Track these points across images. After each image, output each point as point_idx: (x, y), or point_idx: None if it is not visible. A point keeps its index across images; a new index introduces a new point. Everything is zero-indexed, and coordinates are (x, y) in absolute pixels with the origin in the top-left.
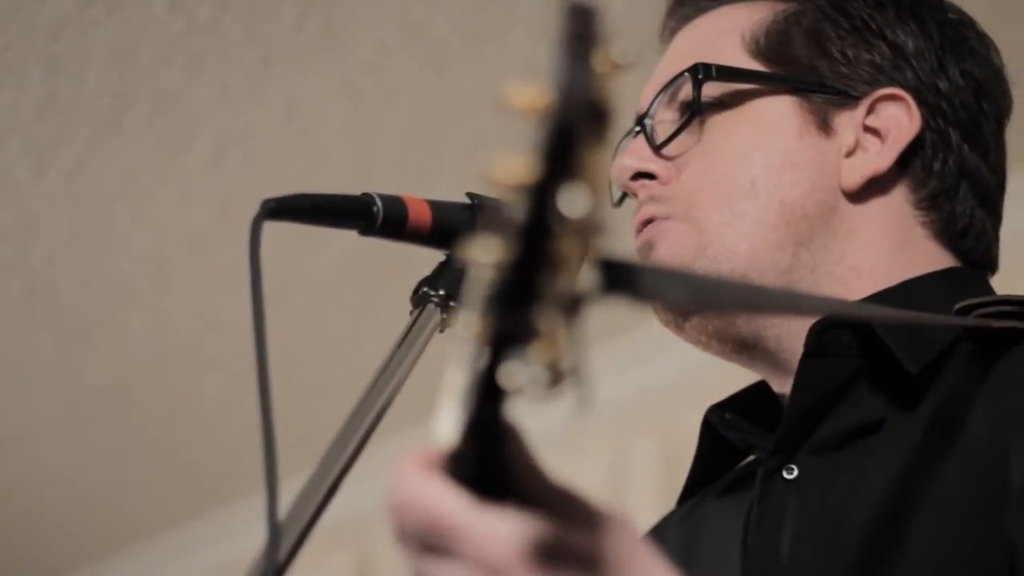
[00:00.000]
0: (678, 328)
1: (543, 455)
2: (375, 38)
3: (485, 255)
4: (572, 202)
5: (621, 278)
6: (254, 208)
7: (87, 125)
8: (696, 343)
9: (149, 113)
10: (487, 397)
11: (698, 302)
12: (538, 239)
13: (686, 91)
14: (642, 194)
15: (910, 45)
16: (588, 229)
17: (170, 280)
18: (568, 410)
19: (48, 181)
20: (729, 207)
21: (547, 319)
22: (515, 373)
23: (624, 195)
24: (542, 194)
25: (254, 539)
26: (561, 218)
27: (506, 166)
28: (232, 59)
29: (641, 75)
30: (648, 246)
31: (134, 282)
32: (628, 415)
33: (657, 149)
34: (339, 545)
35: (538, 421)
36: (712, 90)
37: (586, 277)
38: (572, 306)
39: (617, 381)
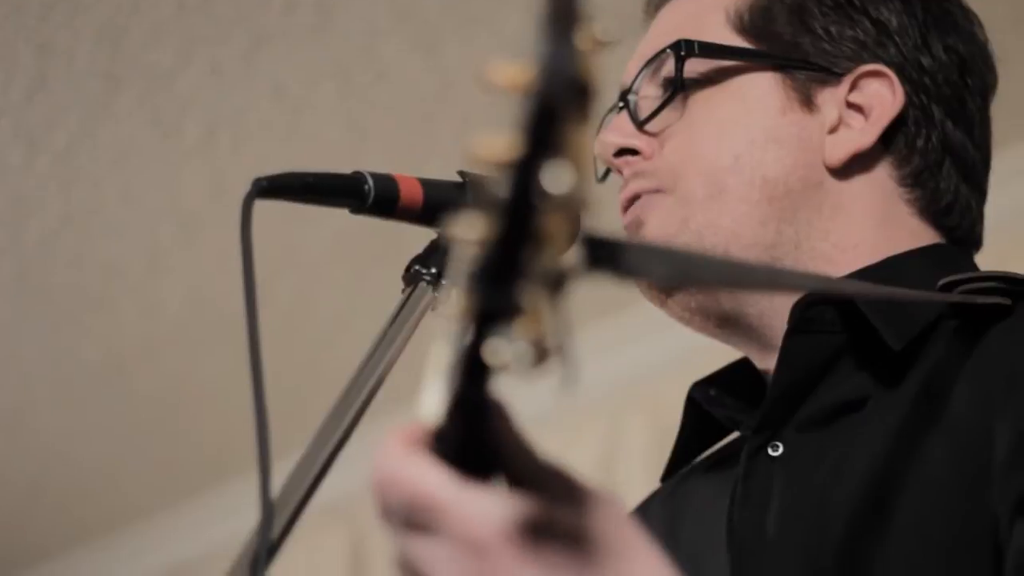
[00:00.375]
0: (661, 303)
1: (535, 433)
2: (366, 19)
3: (469, 232)
4: (555, 178)
5: (605, 255)
6: (246, 189)
7: (78, 107)
8: (679, 318)
9: (140, 95)
10: (472, 374)
11: (681, 278)
12: (522, 215)
13: (669, 67)
14: (627, 171)
15: (893, 22)
16: (572, 205)
17: (162, 261)
18: (553, 387)
19: (39, 163)
20: (714, 181)
21: (531, 296)
22: (500, 350)
23: (607, 172)
24: (525, 170)
25: (247, 518)
26: (544, 194)
27: (490, 143)
28: (223, 40)
29: (628, 50)
30: (636, 223)
31: (126, 263)
32: (620, 393)
33: (640, 125)
34: (333, 524)
35: (530, 399)
36: (695, 66)
37: (570, 254)
38: (557, 283)
39: (609, 359)
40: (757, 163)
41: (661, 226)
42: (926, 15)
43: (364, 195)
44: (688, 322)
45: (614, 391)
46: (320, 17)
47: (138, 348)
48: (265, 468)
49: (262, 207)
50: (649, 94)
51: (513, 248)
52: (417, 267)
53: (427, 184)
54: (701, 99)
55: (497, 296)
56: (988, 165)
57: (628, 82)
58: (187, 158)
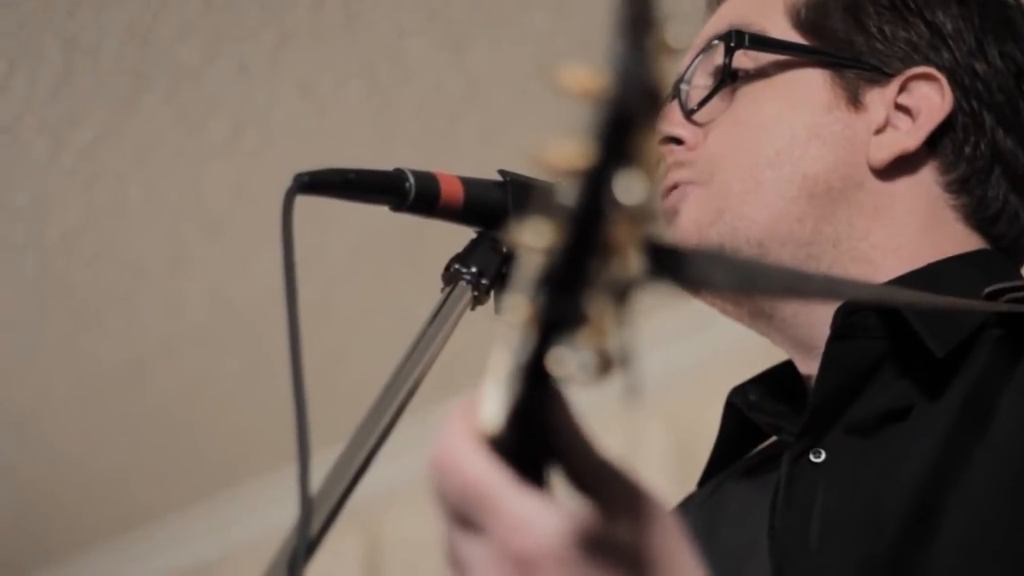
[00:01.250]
0: (719, 305)
1: None
2: (393, 19)
3: (536, 239)
4: (628, 188)
5: (668, 263)
6: (269, 189)
7: (103, 104)
8: (713, 305)
9: (166, 92)
10: (534, 382)
11: (744, 287)
12: (592, 225)
13: (719, 57)
14: (669, 159)
15: (948, 26)
16: (642, 215)
17: (184, 261)
18: (618, 395)
19: (63, 160)
20: (751, 175)
21: (597, 305)
22: (564, 359)
23: None
24: (598, 179)
25: (265, 519)
26: (616, 204)
27: (560, 150)
28: (250, 38)
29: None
30: (672, 212)
31: (148, 263)
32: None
33: (688, 114)
34: (349, 529)
35: None
36: (745, 58)
37: (637, 263)
38: (623, 293)
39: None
40: (798, 159)
41: (695, 216)
42: (983, 21)
43: (405, 192)
44: (722, 309)
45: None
46: (347, 16)
47: (158, 348)
48: (304, 465)
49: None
50: (700, 84)
51: (581, 257)
52: (457, 266)
53: (468, 183)
54: (748, 92)
55: (563, 305)
56: None
57: (682, 71)
58: (212, 157)
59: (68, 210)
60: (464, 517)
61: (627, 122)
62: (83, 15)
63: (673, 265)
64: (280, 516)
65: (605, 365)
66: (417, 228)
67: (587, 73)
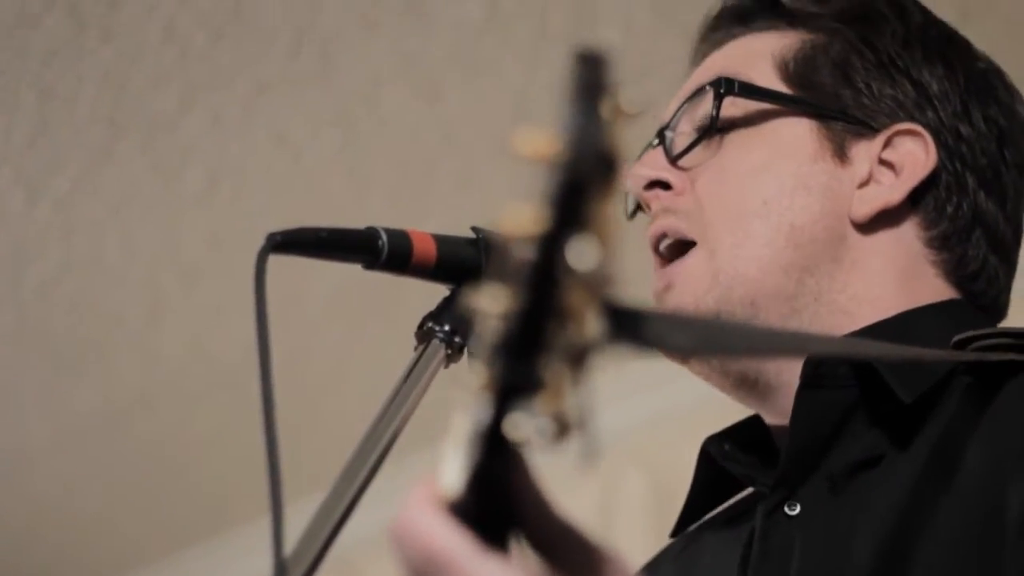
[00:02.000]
0: (683, 361)
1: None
2: (368, 67)
3: (492, 304)
4: (581, 254)
5: (626, 325)
6: (246, 239)
7: (80, 153)
8: (698, 374)
9: (142, 142)
10: (492, 447)
11: (704, 348)
12: (546, 290)
13: (707, 104)
14: (655, 205)
15: (935, 86)
16: (596, 280)
17: (161, 311)
18: (574, 460)
19: (40, 209)
20: (740, 226)
21: (554, 370)
22: (521, 424)
23: (636, 208)
24: (551, 245)
25: (244, 569)
26: (569, 269)
27: (516, 215)
28: (226, 88)
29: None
30: (667, 287)
31: (125, 312)
32: (617, 448)
33: (674, 160)
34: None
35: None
36: (733, 106)
37: (593, 327)
38: (579, 357)
39: (606, 414)
40: (785, 208)
41: (691, 285)
42: (968, 83)
43: (378, 251)
44: (707, 378)
45: (611, 446)
46: (322, 64)
47: (136, 397)
48: (277, 524)
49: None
50: (686, 131)
51: (536, 322)
52: (430, 324)
53: (440, 240)
54: (735, 139)
55: (519, 370)
56: (1019, 240)
57: (667, 119)
58: (188, 206)
59: (45, 260)
60: None
61: (580, 188)
62: (59, 65)
63: (632, 328)
64: (259, 565)
65: (563, 429)
66: (394, 279)
67: (542, 138)
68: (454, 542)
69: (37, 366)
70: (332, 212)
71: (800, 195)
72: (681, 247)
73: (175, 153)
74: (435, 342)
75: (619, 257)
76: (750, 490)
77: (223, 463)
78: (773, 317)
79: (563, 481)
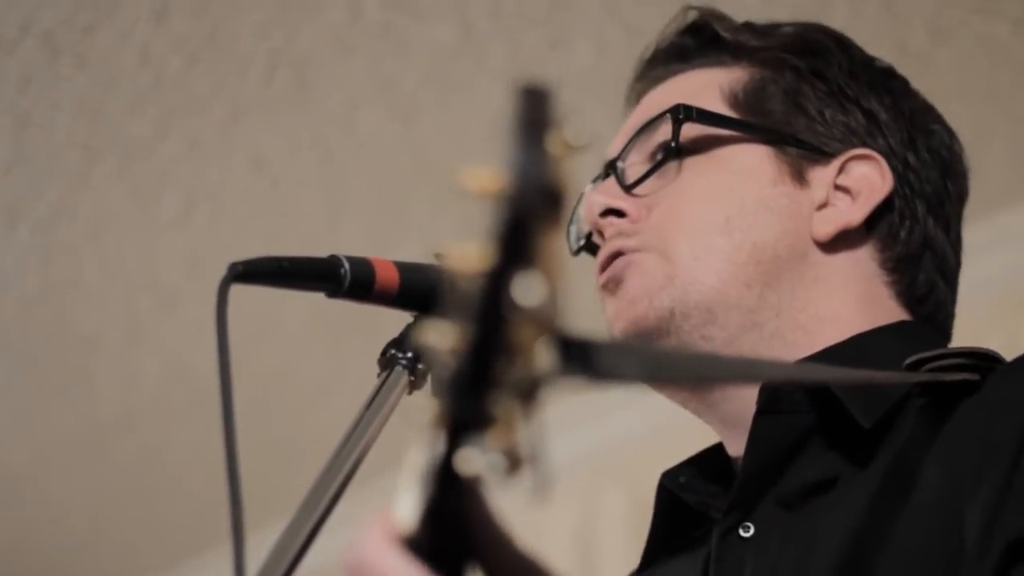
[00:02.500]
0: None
1: (512, 505)
2: (344, 90)
3: (441, 341)
4: (527, 290)
5: (576, 357)
6: (223, 262)
7: (57, 178)
8: (667, 396)
9: (118, 167)
10: (444, 482)
11: (654, 377)
12: (492, 326)
13: (663, 132)
14: (610, 231)
15: (883, 115)
16: (544, 315)
17: (140, 333)
18: (526, 494)
19: (18, 235)
20: (701, 241)
21: (504, 405)
22: (472, 460)
23: (585, 243)
24: (496, 282)
25: None
26: (515, 306)
27: (461, 252)
28: (201, 113)
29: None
30: (615, 280)
31: (104, 335)
32: (597, 466)
33: (629, 188)
34: None
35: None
36: (689, 133)
37: (542, 362)
38: (529, 391)
39: (585, 432)
40: (748, 227)
41: (643, 283)
42: (913, 115)
43: (340, 279)
44: (672, 398)
45: (590, 464)
46: (297, 88)
47: (116, 419)
48: (239, 548)
49: None
50: (637, 161)
51: (484, 359)
52: (393, 351)
53: (403, 268)
54: (693, 165)
55: (468, 406)
56: (959, 268)
57: (615, 152)
58: (165, 230)
59: (24, 284)
60: None
61: (524, 224)
62: (34, 91)
63: (582, 359)
64: None
65: (514, 464)
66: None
67: (487, 174)
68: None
69: (18, 389)
70: (309, 235)
71: (762, 215)
72: None
73: (152, 178)
74: (398, 369)
75: (566, 291)
76: None
77: (206, 481)
78: (731, 328)
79: (544, 501)
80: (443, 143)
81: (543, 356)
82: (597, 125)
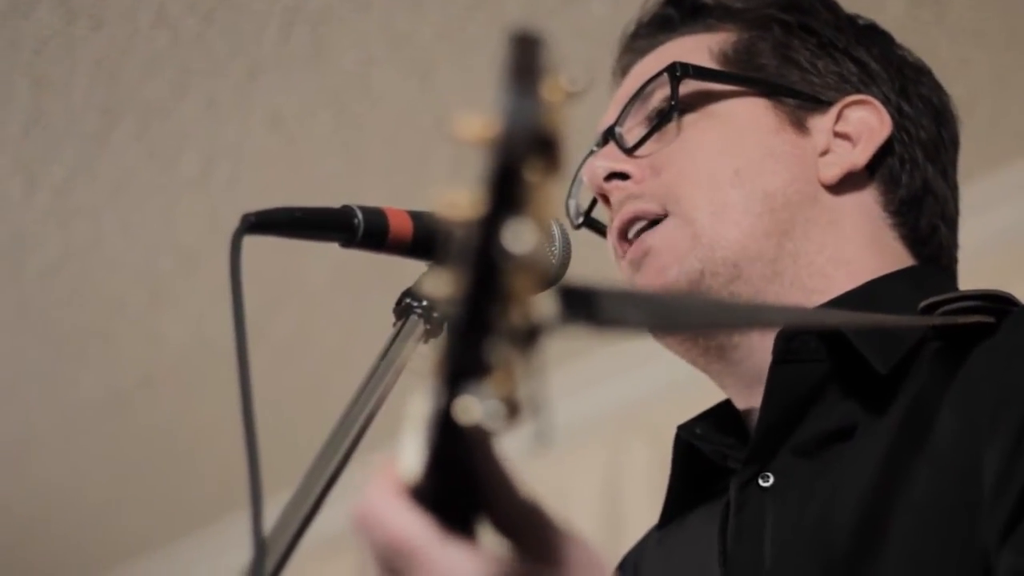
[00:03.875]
0: (662, 337)
1: (536, 460)
2: (360, 49)
3: (439, 289)
4: (518, 237)
5: (580, 305)
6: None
7: (75, 140)
8: (679, 350)
9: (136, 128)
10: (446, 430)
11: (660, 324)
12: (486, 274)
13: (660, 94)
14: (617, 195)
15: (873, 65)
16: (537, 262)
17: (162, 294)
18: (526, 443)
19: (38, 197)
20: (716, 196)
21: (502, 352)
22: (471, 407)
23: (583, 219)
24: (487, 229)
25: (246, 554)
26: (507, 253)
27: (453, 199)
28: (218, 72)
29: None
30: (643, 252)
31: (126, 297)
32: (622, 419)
33: (631, 150)
34: (335, 556)
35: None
36: (687, 90)
37: (541, 307)
38: (527, 338)
39: (610, 386)
40: (756, 175)
41: (671, 248)
42: (902, 66)
43: (354, 229)
44: (683, 354)
45: (615, 417)
46: (314, 46)
47: (139, 381)
48: (256, 504)
49: (263, 240)
50: (635, 125)
51: (479, 306)
52: (408, 300)
53: (416, 216)
54: (693, 122)
55: (466, 354)
56: (958, 215)
57: (611, 120)
58: (185, 190)
59: (45, 247)
60: (391, 570)
61: (514, 172)
62: (51, 53)
63: (585, 306)
64: None
65: (513, 411)
66: (392, 258)
67: (480, 121)
68: (416, 528)
69: (39, 354)
70: (327, 193)
71: (769, 162)
72: (650, 227)
73: (170, 138)
74: (413, 318)
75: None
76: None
77: (226, 447)
78: (755, 279)
79: (569, 453)
80: (459, 99)
81: (542, 303)
82: (581, 100)
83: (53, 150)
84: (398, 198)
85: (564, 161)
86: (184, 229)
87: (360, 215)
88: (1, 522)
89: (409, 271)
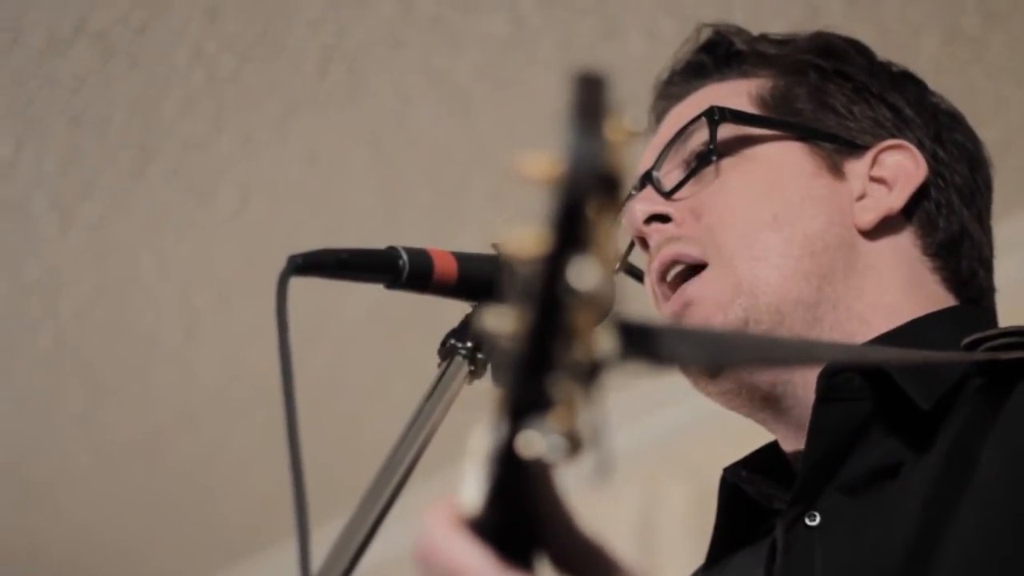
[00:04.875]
0: (704, 386)
1: (573, 497)
2: (397, 85)
3: (501, 325)
4: (582, 274)
5: (639, 342)
6: (279, 257)
7: (111, 177)
8: (722, 400)
9: (173, 164)
10: (508, 465)
11: (717, 360)
12: (550, 310)
13: (698, 138)
14: (657, 237)
15: (907, 111)
16: (600, 299)
17: (197, 331)
18: (588, 477)
19: (74, 234)
20: (756, 240)
21: (564, 387)
22: (533, 442)
23: (620, 263)
24: (553, 266)
25: None
26: (572, 290)
27: (519, 237)
28: (254, 109)
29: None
30: (684, 304)
31: (161, 333)
32: (658, 457)
33: (669, 194)
34: None
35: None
36: (725, 134)
37: (602, 343)
38: (589, 374)
39: (647, 422)
40: (796, 219)
41: (713, 298)
42: (936, 112)
43: (399, 270)
44: (730, 403)
45: (652, 455)
46: (351, 84)
47: (174, 417)
48: (304, 542)
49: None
50: (673, 169)
51: (543, 342)
52: (453, 341)
53: (461, 258)
54: (731, 166)
55: (529, 389)
56: (992, 256)
57: (649, 164)
58: (221, 227)
59: (80, 284)
60: None
61: (579, 210)
62: (88, 91)
63: (644, 344)
64: None
65: (575, 446)
66: (430, 298)
67: (545, 160)
68: (479, 563)
69: (75, 390)
70: (364, 229)
71: (808, 206)
72: (690, 273)
73: (206, 174)
74: (458, 359)
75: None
76: None
77: (264, 480)
78: (797, 325)
79: (606, 490)
80: (496, 136)
81: (602, 339)
82: (640, 140)
83: (89, 187)
84: (435, 236)
85: (625, 200)
86: (220, 265)
87: (405, 256)
88: (34, 561)
89: (446, 310)
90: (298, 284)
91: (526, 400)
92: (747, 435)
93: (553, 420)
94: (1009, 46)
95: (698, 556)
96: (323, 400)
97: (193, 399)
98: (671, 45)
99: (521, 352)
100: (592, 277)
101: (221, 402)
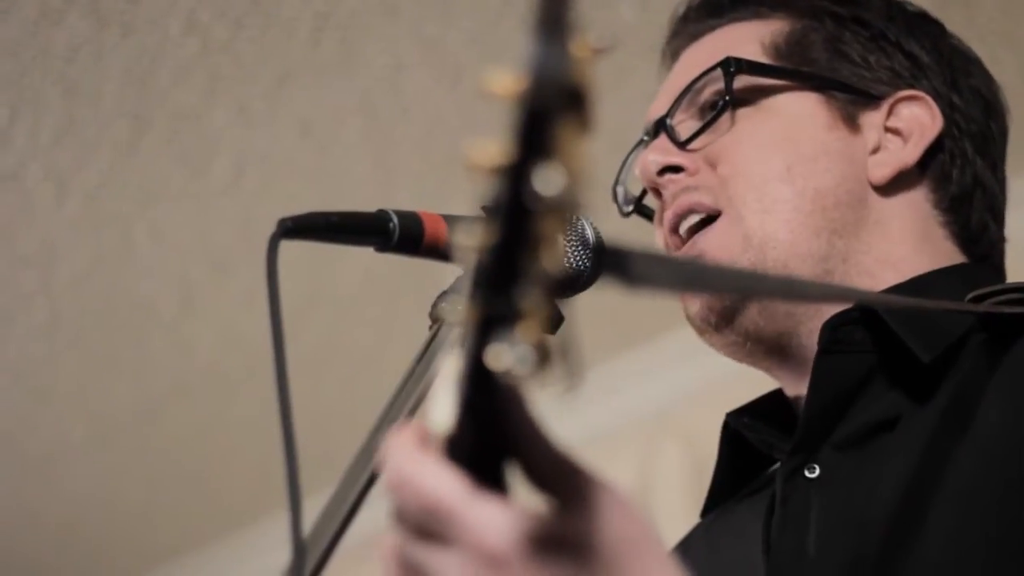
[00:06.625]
0: (711, 335)
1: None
2: (390, 54)
3: (469, 239)
4: (546, 181)
5: (612, 263)
6: (274, 227)
7: (105, 148)
8: (727, 349)
9: (167, 135)
10: (477, 380)
11: (690, 286)
12: (515, 219)
13: (713, 88)
14: (672, 188)
15: (925, 58)
16: (566, 208)
17: (193, 301)
18: (557, 386)
19: (69, 205)
20: (767, 192)
21: (532, 299)
22: (502, 354)
23: (634, 207)
24: (516, 174)
25: (280, 558)
26: (537, 197)
27: (483, 149)
28: (248, 79)
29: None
30: (699, 257)
31: (157, 304)
32: (655, 420)
33: (684, 144)
34: (365, 562)
35: (564, 427)
36: (740, 84)
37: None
38: (557, 285)
39: (643, 387)
40: (808, 173)
41: (723, 250)
42: (952, 57)
43: (389, 233)
44: (735, 354)
45: (648, 418)
46: (344, 53)
47: (171, 388)
48: (296, 506)
49: (293, 245)
50: (687, 118)
51: (510, 252)
52: (444, 304)
53: (452, 220)
54: (745, 117)
55: (497, 301)
56: (1005, 204)
57: (662, 111)
58: (215, 197)
59: (76, 255)
60: (426, 530)
61: (542, 117)
62: (83, 62)
63: (617, 264)
64: None
65: (544, 357)
66: (424, 263)
67: (509, 76)
68: (450, 485)
69: (71, 361)
70: (358, 198)
71: (821, 160)
72: (702, 224)
73: (201, 145)
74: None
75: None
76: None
77: (261, 450)
78: (806, 277)
79: (602, 453)
80: (489, 104)
81: (567, 249)
82: (643, 82)
83: (84, 158)
84: (429, 203)
85: (593, 117)
86: (215, 236)
87: (395, 219)
88: (33, 530)
89: (439, 277)
90: (293, 253)
91: (493, 312)
92: (743, 399)
93: (521, 332)
94: (1002, 9)
95: (695, 519)
96: (318, 368)
97: (189, 369)
98: (662, 13)
99: (488, 263)
100: (557, 184)
101: (217, 372)
